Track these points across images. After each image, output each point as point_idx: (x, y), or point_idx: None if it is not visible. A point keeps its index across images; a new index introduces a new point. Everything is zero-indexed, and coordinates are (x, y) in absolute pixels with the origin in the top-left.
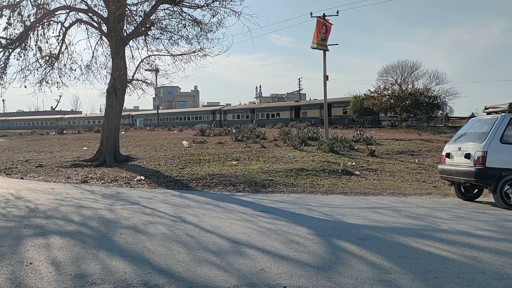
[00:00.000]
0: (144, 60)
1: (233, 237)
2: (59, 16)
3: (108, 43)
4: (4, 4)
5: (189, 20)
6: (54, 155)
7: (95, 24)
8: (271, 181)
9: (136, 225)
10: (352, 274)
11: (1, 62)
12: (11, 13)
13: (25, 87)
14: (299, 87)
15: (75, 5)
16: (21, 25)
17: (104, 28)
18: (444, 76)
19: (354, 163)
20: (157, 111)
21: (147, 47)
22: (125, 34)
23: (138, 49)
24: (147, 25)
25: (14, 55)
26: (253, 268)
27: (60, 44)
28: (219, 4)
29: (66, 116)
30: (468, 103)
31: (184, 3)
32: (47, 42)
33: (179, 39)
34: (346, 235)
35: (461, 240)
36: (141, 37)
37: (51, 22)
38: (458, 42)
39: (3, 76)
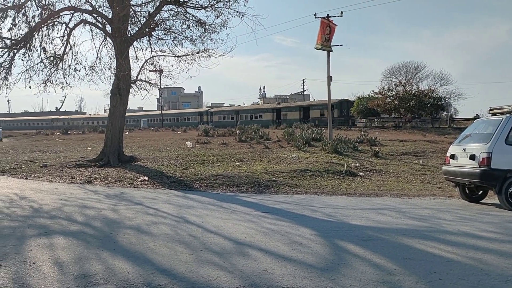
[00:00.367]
0: (148, 61)
1: (236, 238)
2: (63, 17)
3: (112, 44)
4: (9, 5)
5: (193, 21)
6: (58, 155)
7: (100, 25)
8: (275, 182)
9: (139, 225)
10: (355, 275)
11: (6, 63)
12: (16, 14)
13: (30, 87)
14: (303, 88)
15: (79, 6)
16: (26, 26)
17: (109, 28)
18: (448, 77)
19: (358, 164)
20: (161, 112)
21: (151, 47)
22: (129, 35)
23: (142, 49)
24: (151, 26)
25: (19, 56)
26: (256, 269)
27: (64, 45)
28: (223, 5)
29: (61, 117)
30: (473, 104)
31: (188, 4)
32: (51, 42)
33: (183, 40)
34: (350, 236)
35: (466, 242)
36: (145, 37)
37: (56, 22)
38: (462, 42)
39: (8, 76)
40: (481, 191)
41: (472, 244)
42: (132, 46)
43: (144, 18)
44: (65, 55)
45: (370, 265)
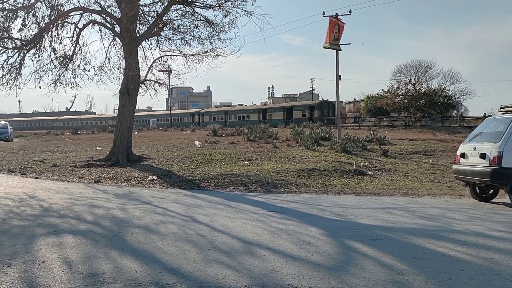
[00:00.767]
0: (157, 61)
1: (244, 237)
2: (72, 17)
3: (121, 44)
4: (19, 5)
5: (201, 20)
6: (68, 155)
7: (108, 25)
8: (283, 181)
9: (147, 224)
10: (364, 275)
11: (17, 63)
12: (26, 15)
13: (40, 87)
14: (312, 87)
15: (88, 6)
16: (36, 27)
17: (117, 29)
18: (459, 75)
19: (367, 163)
20: (170, 112)
21: (159, 47)
22: (137, 35)
23: (151, 49)
24: (160, 26)
25: (29, 56)
26: (264, 268)
27: (74, 45)
28: (231, 4)
29: (61, 117)
30: (484, 103)
31: (196, 3)
32: (61, 43)
33: (191, 40)
34: (358, 236)
35: (476, 241)
36: (153, 37)
37: (65, 23)
38: (473, 41)
39: (19, 77)
40: (491, 190)
41: (483, 244)
42: (140, 46)
43: (153, 18)
44: (74, 55)
45: (379, 265)
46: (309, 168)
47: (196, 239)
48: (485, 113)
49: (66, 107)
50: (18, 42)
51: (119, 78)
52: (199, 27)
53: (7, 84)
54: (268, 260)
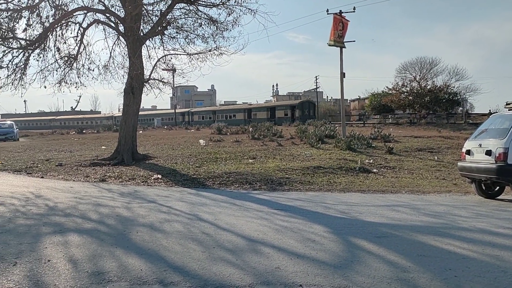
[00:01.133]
0: (161, 60)
1: (249, 235)
2: (77, 17)
3: (125, 43)
4: (23, 5)
5: (205, 19)
6: (73, 154)
7: (112, 24)
8: (288, 179)
9: (152, 223)
10: (369, 272)
11: (21, 63)
12: (30, 15)
13: (45, 87)
14: (316, 85)
15: (92, 5)
16: (40, 26)
17: (121, 28)
18: (464, 72)
19: (371, 160)
20: (174, 111)
21: (163, 46)
22: (141, 34)
23: (155, 48)
24: (164, 25)
25: (34, 56)
26: (269, 266)
27: (78, 45)
28: (234, 2)
29: (58, 117)
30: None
31: (199, 2)
32: (65, 42)
33: (195, 38)
34: (363, 233)
35: (482, 239)
36: (157, 36)
37: (69, 23)
38: (478, 37)
39: (24, 76)
40: (497, 187)
41: (489, 241)
42: (144, 45)
43: (156, 17)
44: (79, 55)
45: (384, 262)
46: (314, 166)
47: (200, 237)
48: (490, 110)
49: (71, 107)
50: (23, 42)
51: (124, 77)
52: (202, 26)
53: (12, 84)
54: (273, 258)
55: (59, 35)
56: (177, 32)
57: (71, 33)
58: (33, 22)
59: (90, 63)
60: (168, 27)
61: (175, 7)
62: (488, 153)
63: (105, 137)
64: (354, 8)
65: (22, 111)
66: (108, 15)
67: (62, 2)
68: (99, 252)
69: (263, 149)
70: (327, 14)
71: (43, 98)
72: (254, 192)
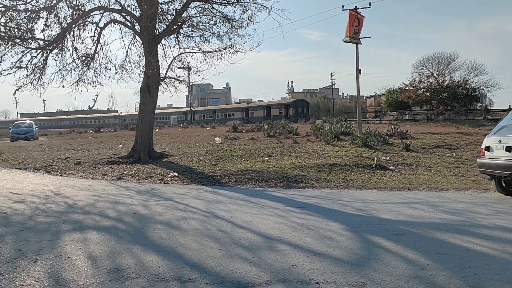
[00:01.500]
0: (176, 58)
1: (265, 233)
2: (93, 17)
3: (141, 42)
4: (41, 6)
5: (220, 17)
6: (91, 152)
7: (128, 24)
8: (304, 176)
9: (169, 220)
10: (387, 270)
11: (40, 63)
12: (48, 15)
13: (63, 87)
14: (331, 81)
15: (109, 5)
16: (58, 27)
17: (137, 27)
18: (482, 67)
19: (388, 157)
20: (190, 109)
21: (178, 45)
22: (157, 33)
23: (170, 47)
24: (179, 23)
25: (52, 56)
26: (285, 264)
27: (95, 44)
28: (249, 0)
29: (68, 116)
30: (509, 95)
31: (214, 0)
32: (82, 42)
33: (210, 36)
34: (381, 231)
35: (502, 236)
36: (173, 35)
37: (86, 22)
38: (496, 32)
39: (42, 76)
40: None
41: (509, 239)
42: (160, 43)
43: (172, 16)
44: (96, 54)
45: (402, 260)
46: (330, 163)
47: (217, 235)
48: (510, 105)
49: (89, 106)
50: (41, 43)
51: (140, 76)
52: (217, 24)
53: (31, 84)
54: (289, 256)
55: (76, 35)
56: (192, 31)
57: (88, 33)
58: (51, 23)
59: (107, 63)
60: (184, 25)
61: (190, 5)
62: (508, 149)
63: (122, 136)
64: (370, 4)
65: (41, 111)
66: (124, 14)
67: (79, 2)
68: (117, 249)
69: (278, 146)
70: (343, 10)
71: (61, 97)
72: (270, 189)
